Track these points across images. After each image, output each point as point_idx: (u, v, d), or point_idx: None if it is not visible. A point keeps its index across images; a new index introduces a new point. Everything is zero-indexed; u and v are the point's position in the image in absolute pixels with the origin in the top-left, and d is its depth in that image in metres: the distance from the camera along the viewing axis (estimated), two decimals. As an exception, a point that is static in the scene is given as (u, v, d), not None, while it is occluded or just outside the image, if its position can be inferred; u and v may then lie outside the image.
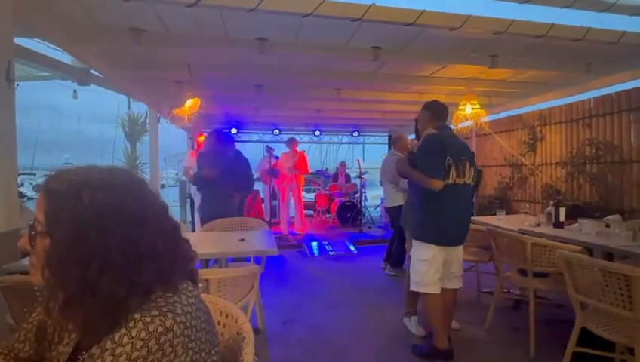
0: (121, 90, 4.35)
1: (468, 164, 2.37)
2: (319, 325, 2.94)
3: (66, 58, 3.58)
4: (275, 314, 3.15)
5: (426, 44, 3.22)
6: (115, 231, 0.65)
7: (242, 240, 2.38)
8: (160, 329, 0.61)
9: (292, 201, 6.74)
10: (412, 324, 2.83)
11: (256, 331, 2.71)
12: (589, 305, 1.83)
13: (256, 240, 2.48)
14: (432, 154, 2.31)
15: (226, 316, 1.10)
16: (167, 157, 12.98)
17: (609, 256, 2.48)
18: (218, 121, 7.56)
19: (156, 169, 4.98)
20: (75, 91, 4.84)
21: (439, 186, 2.25)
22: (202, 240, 2.57)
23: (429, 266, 2.36)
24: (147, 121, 5.47)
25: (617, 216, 3.14)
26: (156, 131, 4.90)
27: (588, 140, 4.11)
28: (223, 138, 3.95)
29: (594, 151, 4.03)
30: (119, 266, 0.64)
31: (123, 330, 0.60)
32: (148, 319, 0.61)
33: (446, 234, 2.36)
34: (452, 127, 2.89)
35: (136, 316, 0.62)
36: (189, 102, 3.73)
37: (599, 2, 2.72)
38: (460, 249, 2.48)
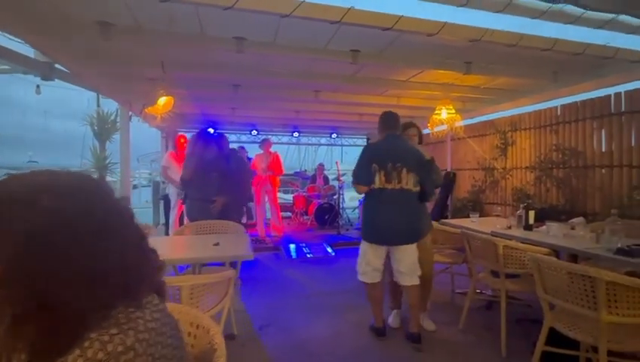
0: (89, 87, 4.14)
1: (405, 170, 2.57)
2: (296, 329, 2.90)
3: (29, 51, 3.37)
4: (251, 318, 3.08)
5: (404, 49, 3.26)
6: (75, 241, 0.59)
7: (217, 244, 2.31)
8: (120, 348, 0.56)
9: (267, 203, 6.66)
10: (391, 318, 2.97)
11: (231, 336, 2.67)
12: (556, 305, 1.89)
13: (232, 244, 2.42)
14: (360, 161, 2.68)
15: (197, 327, 1.05)
16: (140, 156, 12.51)
17: (574, 257, 2.60)
18: (194, 121, 7.38)
19: (127, 169, 4.77)
20: (37, 86, 4.56)
21: (360, 190, 2.66)
22: (175, 245, 2.48)
23: (362, 258, 2.74)
24: (118, 120, 5.25)
25: (581, 219, 3.30)
26: (127, 130, 4.69)
27: (555, 146, 4.30)
28: (201, 138, 3.82)
29: (560, 156, 4.22)
30: (79, 280, 0.59)
31: (77, 351, 0.55)
32: (106, 338, 0.56)
33: (376, 234, 2.65)
34: (429, 131, 3.16)
35: (93, 335, 0.56)
36: (162, 100, 3.60)
37: (566, 15, 2.85)
38: (405, 249, 2.62)
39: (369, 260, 2.69)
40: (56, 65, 3.38)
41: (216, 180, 3.69)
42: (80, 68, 3.46)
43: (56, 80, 3.42)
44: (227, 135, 4.74)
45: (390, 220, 2.59)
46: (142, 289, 0.66)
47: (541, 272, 1.90)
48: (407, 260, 2.63)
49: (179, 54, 3.56)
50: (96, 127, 5.43)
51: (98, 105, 5.48)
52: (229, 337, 2.63)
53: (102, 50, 3.30)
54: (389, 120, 2.77)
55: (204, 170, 3.72)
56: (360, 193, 2.74)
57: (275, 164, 6.48)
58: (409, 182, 2.58)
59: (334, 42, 3.09)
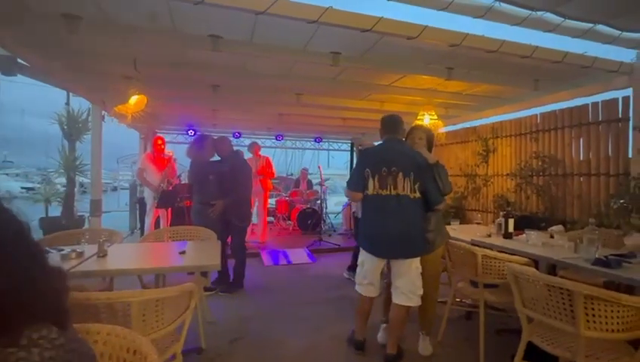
0: (56, 84, 3.93)
1: (401, 174, 2.35)
2: (269, 343, 2.76)
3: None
4: (223, 330, 2.93)
5: (385, 53, 3.20)
6: None
7: (183, 252, 2.17)
8: None
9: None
10: (380, 332, 2.80)
11: (198, 351, 2.51)
12: (534, 318, 1.83)
13: (200, 252, 2.28)
14: (355, 167, 2.59)
15: (134, 352, 0.92)
16: (121, 158, 12.13)
17: (553, 266, 2.57)
18: (173, 122, 7.17)
19: (98, 171, 4.56)
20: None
21: (354, 197, 2.55)
22: (139, 253, 2.32)
23: (360, 268, 2.56)
24: (89, 119, 5.02)
25: (560, 227, 3.29)
26: (99, 130, 4.48)
27: (535, 153, 4.32)
28: (196, 142, 3.86)
29: (540, 164, 4.23)
30: None
31: None
32: None
33: (371, 245, 2.46)
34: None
35: None
36: (134, 98, 3.43)
37: (546, 23, 2.85)
38: (404, 263, 2.38)
39: (366, 272, 2.49)
40: (19, 60, 3.18)
41: (215, 183, 3.65)
42: (45, 63, 3.27)
43: (18, 75, 3.20)
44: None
45: (385, 230, 2.37)
46: (23, 322, 0.53)
47: (519, 284, 1.84)
48: (405, 277, 2.38)
49: (152, 51, 3.41)
50: (65, 127, 5.17)
51: (67, 104, 5.22)
52: (196, 351, 2.48)
53: (68, 44, 3.12)
54: (387, 123, 2.59)
55: (201, 173, 3.71)
56: (355, 200, 2.66)
57: (266, 167, 6.34)
58: (406, 187, 2.34)
59: (314, 43, 3.01)
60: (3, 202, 0.58)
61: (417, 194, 2.37)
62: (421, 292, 2.42)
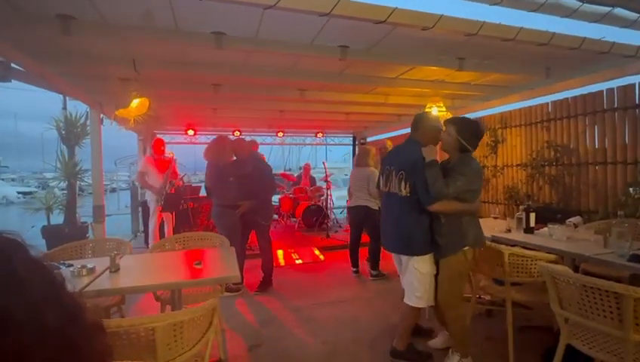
0: (53, 88, 3.78)
1: (394, 172, 2.42)
2: (289, 348, 2.68)
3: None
4: (240, 337, 2.85)
5: (396, 45, 3.08)
6: None
7: (199, 263, 2.07)
8: None
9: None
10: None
11: None
12: (571, 320, 1.75)
13: (216, 262, 2.18)
14: None
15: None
16: (118, 159, 11.99)
17: (574, 260, 2.47)
18: (173, 123, 7.02)
19: (99, 176, 4.42)
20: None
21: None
22: (152, 266, 2.22)
23: None
24: (88, 123, 4.87)
25: (579, 218, 3.21)
26: (99, 134, 4.34)
27: (547, 143, 4.22)
28: (214, 145, 3.79)
29: (552, 153, 4.14)
30: None
31: None
32: None
33: (382, 237, 2.59)
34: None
35: None
36: (135, 102, 3.29)
37: (563, 7, 2.73)
38: (403, 260, 2.40)
39: (398, 266, 2.56)
40: (13, 65, 3.03)
41: (235, 185, 3.70)
42: (40, 67, 3.12)
43: (13, 80, 3.06)
44: (208, 137, 4.52)
45: (384, 225, 2.55)
46: None
47: (557, 285, 1.75)
48: (404, 275, 2.42)
49: (152, 52, 3.27)
50: (63, 131, 5.02)
51: (64, 108, 5.06)
52: (216, 363, 2.40)
53: (64, 47, 2.99)
54: (413, 122, 2.53)
55: (221, 175, 3.72)
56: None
57: None
58: (396, 185, 2.37)
59: (322, 37, 2.88)
60: (32, 252, 0.47)
61: (406, 192, 2.33)
62: (420, 294, 2.32)
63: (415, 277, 2.33)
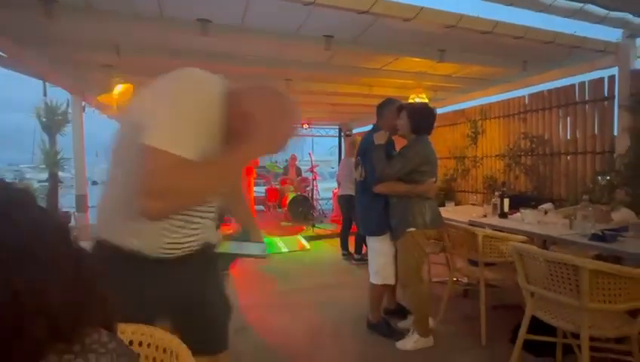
0: (32, 73, 3.71)
1: (358, 159, 2.67)
2: (274, 330, 2.78)
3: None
4: (226, 321, 2.91)
5: (379, 36, 3.16)
6: None
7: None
8: None
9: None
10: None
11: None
12: (537, 293, 1.89)
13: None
14: None
15: (164, 351, 0.90)
16: (100, 150, 11.71)
17: (544, 241, 2.65)
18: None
19: (82, 165, 4.37)
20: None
21: None
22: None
23: None
24: (69, 110, 4.78)
25: (550, 205, 3.39)
26: (81, 122, 4.28)
27: (523, 134, 4.40)
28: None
29: (528, 144, 4.33)
30: None
31: None
32: None
33: None
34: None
35: None
36: (119, 88, 3.27)
37: (538, 2, 2.86)
38: (370, 239, 2.63)
39: None
40: (-9, 49, 2.97)
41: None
42: (20, 51, 3.06)
43: (-9, 65, 2.99)
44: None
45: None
46: (79, 328, 0.50)
47: (523, 262, 1.88)
48: (371, 252, 2.66)
49: (136, 38, 3.25)
50: (44, 119, 4.91)
51: (45, 95, 4.95)
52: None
53: (45, 30, 2.93)
54: (375, 111, 2.82)
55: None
56: None
57: None
58: (355, 170, 2.70)
59: (307, 27, 2.93)
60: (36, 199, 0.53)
61: (361, 177, 2.60)
62: (375, 270, 2.57)
63: (372, 256, 2.61)
